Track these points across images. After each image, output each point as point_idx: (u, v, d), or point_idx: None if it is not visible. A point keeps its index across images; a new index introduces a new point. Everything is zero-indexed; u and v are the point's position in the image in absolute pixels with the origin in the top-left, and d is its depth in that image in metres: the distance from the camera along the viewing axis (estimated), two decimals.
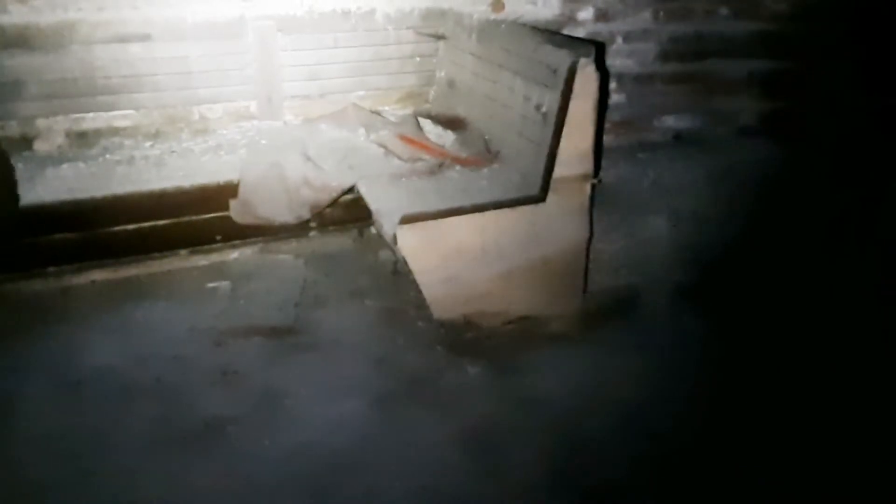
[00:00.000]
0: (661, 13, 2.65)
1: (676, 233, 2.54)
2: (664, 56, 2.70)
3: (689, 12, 2.70)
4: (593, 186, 2.14)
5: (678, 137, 2.76)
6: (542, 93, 2.13)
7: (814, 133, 2.78)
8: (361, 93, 3.14)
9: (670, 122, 2.81)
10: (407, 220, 1.94)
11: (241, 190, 2.42)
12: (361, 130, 2.78)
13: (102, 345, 2.24)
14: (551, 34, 2.35)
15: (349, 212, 2.73)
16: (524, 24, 2.48)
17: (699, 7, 2.71)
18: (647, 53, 2.67)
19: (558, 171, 2.05)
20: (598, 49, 1.93)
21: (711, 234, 2.58)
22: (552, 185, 2.07)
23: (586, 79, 1.93)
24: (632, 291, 2.51)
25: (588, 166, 2.09)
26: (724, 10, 2.74)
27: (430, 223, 1.98)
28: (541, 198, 2.07)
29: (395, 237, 1.95)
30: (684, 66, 2.75)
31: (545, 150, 2.04)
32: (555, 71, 2.01)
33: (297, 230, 2.70)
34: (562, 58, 1.99)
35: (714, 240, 2.57)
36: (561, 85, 1.94)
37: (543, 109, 2.12)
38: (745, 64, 2.80)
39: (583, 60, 1.90)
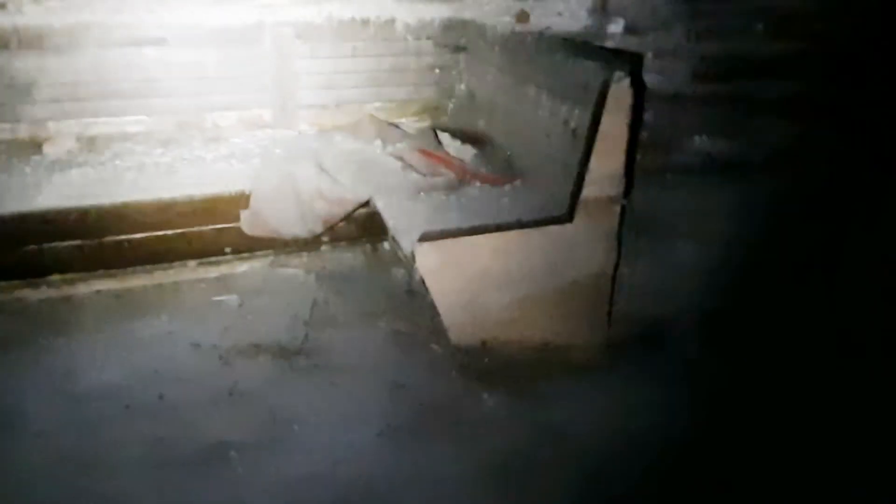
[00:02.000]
0: (695, 29, 2.55)
1: (706, 260, 2.42)
2: (696, 74, 2.60)
3: (724, 29, 2.60)
4: (623, 209, 2.03)
5: (709, 160, 2.64)
6: (571, 108, 2.03)
7: (851, 159, 2.66)
8: (378, 104, 3.07)
9: (701, 144, 2.70)
10: (426, 238, 1.83)
11: (253, 200, 2.33)
12: (378, 142, 2.69)
13: (105, 359, 2.14)
14: (583, 46, 2.25)
15: (361, 226, 2.65)
16: (552, 37, 2.38)
17: (735, 24, 2.61)
18: (679, 71, 2.56)
19: (587, 192, 1.94)
20: (634, 61, 1.82)
21: (742, 262, 2.45)
22: (580, 205, 1.96)
23: (621, 94, 1.82)
24: (658, 320, 2.37)
25: (618, 187, 1.98)
26: (760, 28, 2.63)
27: (451, 242, 1.87)
28: (568, 219, 1.96)
29: (413, 255, 1.84)
30: (717, 85, 2.64)
31: (574, 169, 1.93)
32: (586, 86, 1.91)
33: (308, 244, 2.61)
34: (594, 72, 1.89)
35: (744, 268, 2.45)
36: (593, 101, 1.84)
37: (572, 125, 2.01)
38: (781, 85, 2.69)
39: (617, 74, 1.80)
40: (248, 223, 2.36)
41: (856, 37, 2.69)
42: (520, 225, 1.92)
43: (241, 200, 2.35)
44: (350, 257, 2.79)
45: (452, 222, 2.00)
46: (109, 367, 2.10)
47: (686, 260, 2.45)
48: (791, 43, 2.68)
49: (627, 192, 2.00)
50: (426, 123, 3.08)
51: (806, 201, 2.56)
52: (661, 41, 2.54)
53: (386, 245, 2.80)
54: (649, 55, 2.51)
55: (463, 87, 3.04)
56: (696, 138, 2.64)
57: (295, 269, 2.69)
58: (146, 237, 2.35)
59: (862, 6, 2.69)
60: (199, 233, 2.41)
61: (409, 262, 1.90)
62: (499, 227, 1.91)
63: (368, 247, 2.80)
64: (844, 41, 2.68)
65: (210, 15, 2.66)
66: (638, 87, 1.82)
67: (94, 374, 2.06)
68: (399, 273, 2.71)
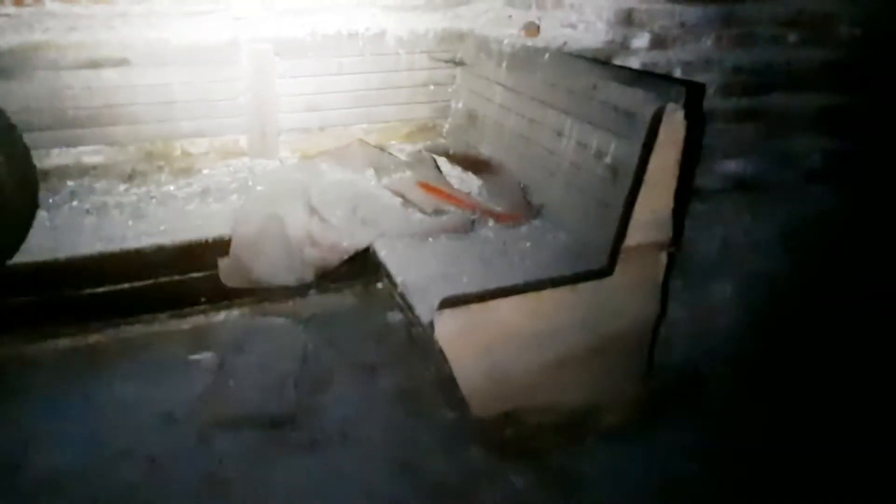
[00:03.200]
0: (724, 39, 2.30)
1: (746, 300, 2.17)
2: (726, 89, 2.35)
3: (755, 38, 2.35)
4: (671, 256, 1.76)
5: (741, 184, 2.40)
6: (606, 140, 1.75)
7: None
8: (366, 125, 2.77)
9: (732, 166, 2.45)
10: (447, 304, 1.53)
11: (234, 248, 2.01)
12: (370, 172, 2.38)
13: (63, 437, 1.84)
14: (618, 68, 1.97)
15: (352, 265, 2.34)
16: (574, 54, 2.10)
17: (765, 32, 2.36)
18: (708, 86, 2.31)
19: (630, 239, 1.66)
20: (691, 91, 1.54)
21: (785, 302, 2.20)
22: (621, 254, 1.68)
23: (673, 128, 1.55)
24: (695, 370, 2.12)
25: (666, 232, 1.70)
26: (792, 37, 2.39)
27: (474, 305, 1.58)
28: (608, 272, 1.68)
29: (432, 326, 1.54)
30: (748, 100, 2.40)
31: (614, 212, 1.65)
32: (632, 117, 1.63)
33: (295, 288, 2.29)
34: (642, 101, 1.61)
35: (788, 308, 2.20)
36: (641, 135, 1.56)
37: (608, 161, 1.73)
38: (816, 98, 2.45)
39: (670, 106, 1.53)
40: (227, 273, 2.03)
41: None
42: (553, 283, 1.64)
43: (220, 247, 2.03)
44: (341, 300, 2.49)
45: (471, 277, 1.71)
46: (68, 446, 1.79)
47: (724, 301, 2.20)
48: (827, 52, 2.44)
49: (677, 237, 1.73)
50: (419, 146, 2.77)
51: (851, 226, 2.33)
52: (689, 54, 2.28)
53: (379, 285, 2.50)
54: (678, 70, 2.26)
55: (460, 105, 2.74)
56: (727, 160, 2.40)
57: (280, 316, 2.37)
58: (109, 290, 2.02)
59: None
60: (171, 283, 2.09)
61: (426, 333, 1.60)
62: (529, 287, 1.62)
63: (360, 287, 2.50)
64: (884, 49, 2.46)
65: (177, 32, 2.32)
66: (692, 119, 1.55)
67: (50, 456, 1.77)
68: (395, 317, 2.42)
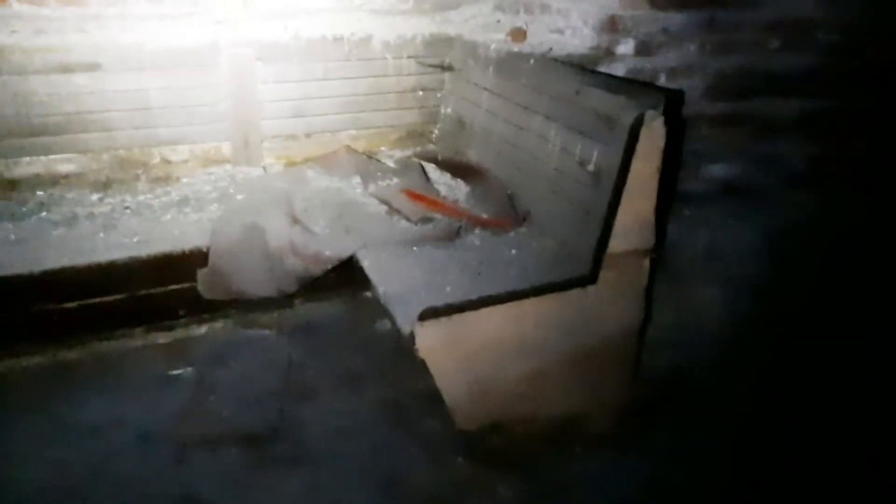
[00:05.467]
0: (707, 45, 2.29)
1: (733, 305, 2.15)
2: (711, 94, 2.35)
3: (737, 44, 2.35)
4: (652, 262, 1.74)
5: (726, 188, 2.39)
6: (589, 147, 1.72)
7: (881, 181, 2.45)
8: (354, 131, 2.72)
9: (717, 170, 2.45)
10: (428, 315, 1.50)
11: (212, 259, 1.95)
12: (357, 179, 2.34)
13: (30, 459, 1.75)
14: (601, 75, 1.95)
15: (339, 274, 2.29)
16: (559, 60, 2.07)
17: (747, 38, 2.36)
18: (692, 91, 2.31)
19: (613, 246, 1.64)
20: (671, 98, 1.53)
21: (772, 306, 2.19)
22: (604, 262, 1.65)
23: (653, 135, 1.53)
24: (682, 377, 2.10)
25: (648, 239, 1.68)
26: (773, 42, 2.40)
27: (456, 316, 1.54)
28: (591, 279, 1.65)
29: (412, 336, 1.51)
30: (732, 105, 2.40)
31: (597, 220, 1.63)
32: (612, 123, 1.60)
33: (280, 299, 2.24)
34: (622, 108, 1.58)
35: (776, 313, 2.19)
36: (621, 141, 1.54)
37: (591, 168, 1.71)
38: (799, 103, 2.46)
39: (650, 113, 1.50)
40: (206, 285, 1.98)
41: (877, 48, 2.48)
42: (535, 292, 1.61)
43: (198, 258, 1.97)
44: (328, 310, 2.42)
45: (455, 286, 1.67)
46: (36, 469, 1.71)
47: (710, 306, 2.19)
48: (808, 57, 2.45)
49: (658, 243, 1.71)
50: (408, 152, 2.74)
51: (835, 230, 2.33)
52: (673, 60, 2.27)
53: (368, 293, 2.45)
54: (662, 76, 2.25)
55: (449, 110, 2.71)
56: (712, 164, 2.40)
57: (264, 328, 2.31)
58: (80, 305, 1.95)
59: (882, 16, 2.47)
60: (147, 296, 2.02)
61: (406, 341, 1.56)
62: (511, 296, 1.58)
63: (348, 296, 2.45)
64: (863, 54, 2.47)
65: (153, 35, 2.26)
66: (672, 126, 1.53)
67: (16, 482, 1.67)
68: (383, 326, 2.37)
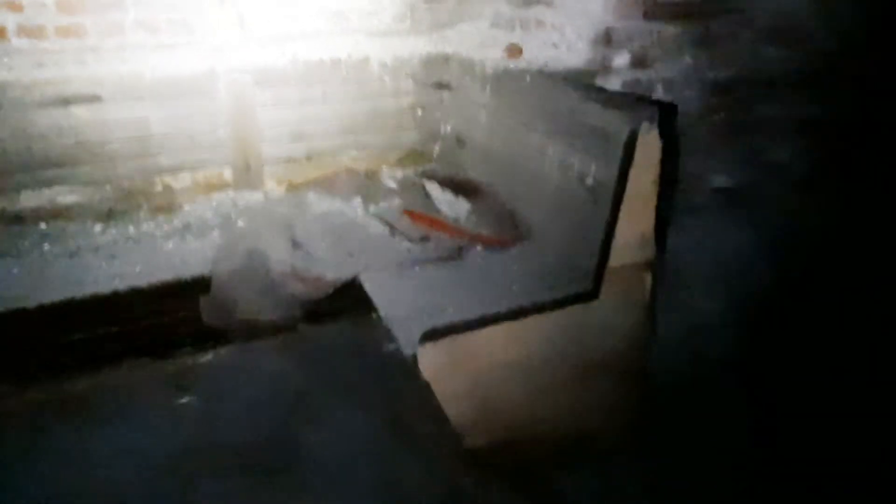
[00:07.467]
0: (703, 55, 2.29)
1: (737, 315, 2.13)
2: (708, 104, 2.34)
3: (733, 53, 2.35)
4: (655, 275, 1.72)
5: (728, 197, 2.38)
6: (587, 161, 1.72)
7: (882, 187, 2.43)
8: (354, 153, 2.73)
9: (717, 179, 2.43)
10: (430, 336, 1.49)
11: (214, 286, 1.95)
12: (358, 201, 2.34)
13: (36, 491, 1.73)
14: (596, 89, 1.95)
15: (347, 297, 2.28)
16: (555, 76, 2.08)
17: (742, 47, 2.36)
18: (690, 102, 2.30)
19: (614, 260, 1.63)
20: (665, 111, 1.52)
21: (776, 315, 2.17)
22: (606, 276, 1.64)
23: (648, 148, 1.52)
24: (688, 389, 2.07)
25: (649, 252, 1.67)
26: (770, 51, 2.39)
27: (458, 336, 1.53)
28: (593, 294, 1.64)
29: (415, 358, 1.49)
30: (730, 113, 2.39)
31: (596, 234, 1.62)
32: (607, 137, 1.60)
33: (286, 323, 2.23)
34: (617, 122, 1.58)
35: (780, 322, 2.16)
36: (617, 155, 1.53)
37: (589, 182, 1.70)
38: (796, 109, 2.45)
39: (645, 126, 1.50)
40: (208, 313, 1.98)
41: (873, 54, 2.47)
42: (538, 309, 1.59)
43: (200, 286, 1.97)
44: (335, 333, 2.41)
45: (457, 306, 1.66)
46: (40, 501, 1.69)
47: (714, 316, 2.16)
48: (804, 63, 2.44)
49: (659, 255, 1.70)
50: (409, 171, 2.74)
51: (838, 234, 2.31)
52: (669, 71, 2.27)
53: (374, 315, 2.44)
54: (659, 88, 2.25)
55: (448, 129, 2.72)
56: (711, 173, 2.38)
57: (268, 353, 2.30)
58: (83, 337, 1.95)
59: (873, 21, 2.47)
60: (149, 325, 2.02)
61: (410, 363, 1.55)
62: (513, 314, 1.57)
63: (355, 318, 2.43)
64: (858, 59, 2.46)
65: (152, 65, 2.28)
66: (668, 138, 1.52)
67: None
68: (391, 347, 2.35)
